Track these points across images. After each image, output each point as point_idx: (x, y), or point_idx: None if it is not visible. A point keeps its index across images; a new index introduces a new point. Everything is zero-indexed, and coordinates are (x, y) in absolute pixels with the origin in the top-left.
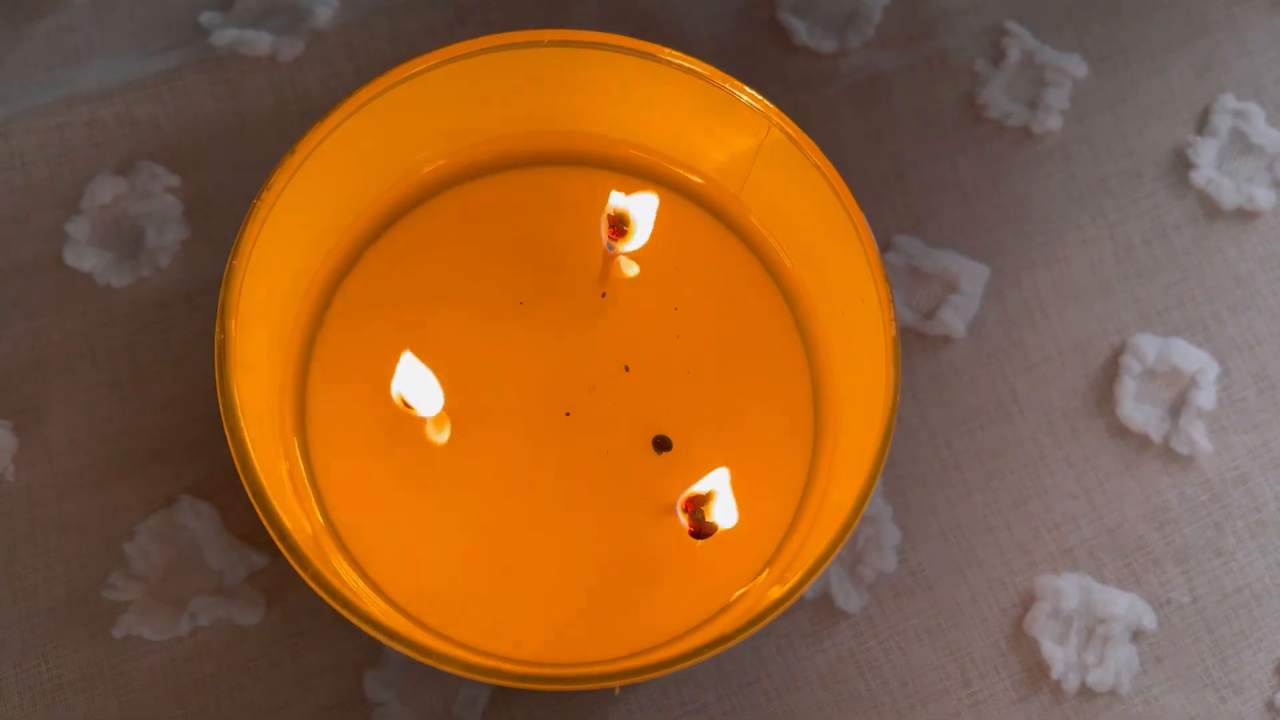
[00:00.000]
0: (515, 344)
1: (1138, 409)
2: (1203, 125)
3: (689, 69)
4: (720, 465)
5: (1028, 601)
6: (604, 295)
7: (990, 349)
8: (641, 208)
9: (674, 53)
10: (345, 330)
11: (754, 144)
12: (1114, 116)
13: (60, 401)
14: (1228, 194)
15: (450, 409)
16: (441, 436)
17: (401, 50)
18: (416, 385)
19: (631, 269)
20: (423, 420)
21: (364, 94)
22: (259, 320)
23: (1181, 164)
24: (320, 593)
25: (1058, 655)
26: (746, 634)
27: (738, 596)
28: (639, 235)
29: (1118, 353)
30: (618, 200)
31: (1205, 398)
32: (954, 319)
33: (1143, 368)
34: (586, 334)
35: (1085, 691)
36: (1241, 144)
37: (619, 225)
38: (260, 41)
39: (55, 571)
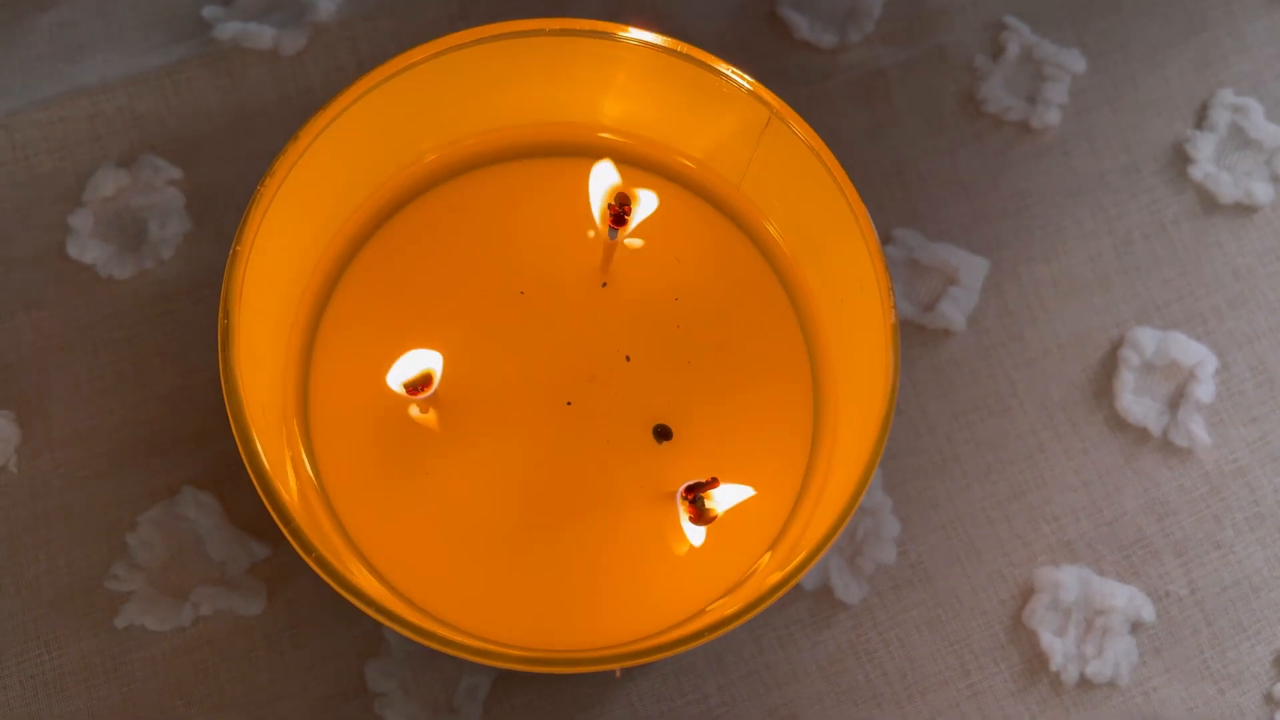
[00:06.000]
0: (516, 334)
1: (1137, 402)
2: (1201, 120)
3: (690, 58)
4: (721, 455)
5: (1027, 593)
6: (605, 285)
7: (990, 342)
8: (641, 202)
9: (675, 42)
10: (347, 318)
11: (754, 134)
12: (1113, 111)
13: (63, 393)
14: (1226, 188)
15: (452, 398)
16: (426, 416)
17: (404, 43)
18: (415, 371)
19: (635, 241)
20: (423, 405)
21: (366, 82)
22: (262, 307)
23: (1180, 159)
24: (323, 575)
25: (1057, 647)
26: (743, 619)
27: (737, 584)
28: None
29: (1117, 346)
30: (608, 177)
31: (1204, 391)
32: (953, 312)
33: (1141, 361)
34: (587, 324)
35: (1084, 683)
36: (1240, 139)
37: (623, 209)
38: (263, 35)
39: (57, 562)
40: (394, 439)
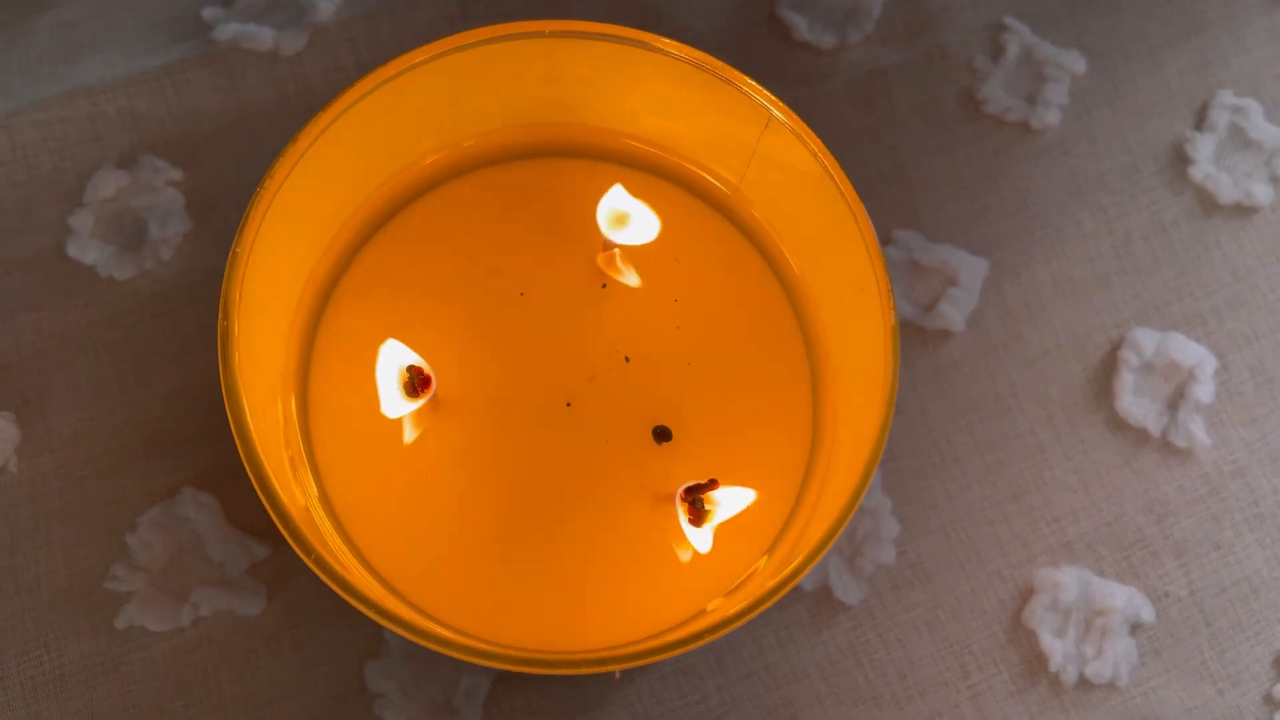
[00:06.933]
0: (516, 334)
1: (1136, 403)
2: (1201, 121)
3: (689, 60)
4: (720, 456)
5: (1026, 594)
6: (604, 286)
7: (989, 343)
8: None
9: (674, 44)
10: (347, 320)
11: (754, 135)
12: (1113, 112)
13: (63, 393)
14: (1226, 189)
15: (452, 399)
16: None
17: (404, 44)
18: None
19: (631, 279)
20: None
21: (367, 83)
22: (262, 308)
23: (1180, 159)
24: (322, 576)
25: (1056, 647)
26: (743, 620)
27: (737, 585)
28: (641, 229)
29: (1116, 347)
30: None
31: (1203, 392)
32: (953, 313)
33: (1141, 362)
34: (587, 324)
35: (1083, 683)
36: (1239, 139)
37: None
38: (262, 36)
39: (57, 563)
40: (393, 440)
